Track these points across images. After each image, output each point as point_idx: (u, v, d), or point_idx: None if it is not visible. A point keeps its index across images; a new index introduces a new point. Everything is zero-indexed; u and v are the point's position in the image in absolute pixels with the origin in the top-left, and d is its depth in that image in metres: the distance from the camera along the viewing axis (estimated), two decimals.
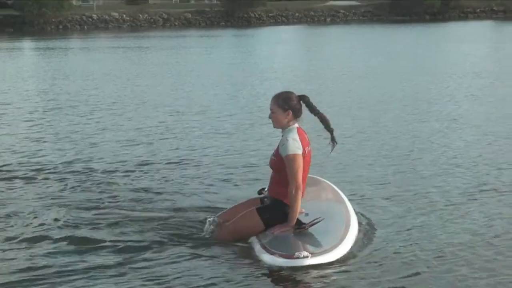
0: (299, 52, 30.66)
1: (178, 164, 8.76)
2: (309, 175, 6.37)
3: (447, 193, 7.15)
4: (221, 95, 15.49)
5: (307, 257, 4.90)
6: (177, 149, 9.70)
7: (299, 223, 5.50)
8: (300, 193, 5.43)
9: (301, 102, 5.61)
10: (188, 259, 5.37)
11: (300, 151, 5.44)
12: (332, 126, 5.66)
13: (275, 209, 5.57)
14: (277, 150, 5.57)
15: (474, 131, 10.72)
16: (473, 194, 7.09)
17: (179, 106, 13.80)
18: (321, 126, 5.70)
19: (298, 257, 4.90)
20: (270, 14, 66.22)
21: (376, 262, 5.22)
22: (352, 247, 5.33)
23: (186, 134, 10.81)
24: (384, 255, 5.36)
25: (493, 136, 10.25)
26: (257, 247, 5.31)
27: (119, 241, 5.75)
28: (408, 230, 5.96)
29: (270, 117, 5.65)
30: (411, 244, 5.59)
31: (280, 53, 28.98)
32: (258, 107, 13.63)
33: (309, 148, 5.59)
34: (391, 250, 5.45)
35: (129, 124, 11.81)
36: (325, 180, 6.73)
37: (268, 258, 5.06)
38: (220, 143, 10.10)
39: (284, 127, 5.59)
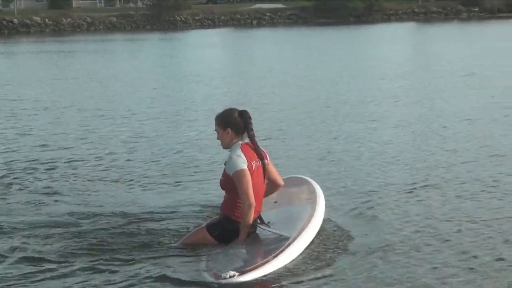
0: (226, 55, 30.64)
1: (99, 167, 8.58)
2: (297, 176, 6.58)
3: (378, 189, 7.22)
4: (145, 99, 15.30)
5: (233, 276, 4.88)
6: (98, 153, 9.50)
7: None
8: (252, 209, 5.34)
9: (241, 117, 5.48)
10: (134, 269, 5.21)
11: (245, 166, 5.33)
12: (262, 152, 5.53)
13: (223, 226, 5.50)
14: (224, 170, 5.49)
15: (394, 130, 10.90)
16: (412, 188, 7.25)
17: (102, 110, 13.55)
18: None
19: (224, 278, 4.89)
20: (196, 18, 65.96)
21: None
22: (291, 261, 5.18)
23: (109, 138, 10.61)
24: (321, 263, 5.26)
25: (413, 135, 10.45)
26: (202, 263, 5.28)
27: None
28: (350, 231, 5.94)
29: (217, 138, 5.57)
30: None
31: (207, 57, 28.88)
32: (184, 109, 13.53)
33: (258, 163, 5.46)
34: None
35: (49, 128, 11.52)
36: (310, 181, 6.49)
37: (206, 276, 5.01)
38: (145, 146, 9.96)
39: (229, 146, 5.50)
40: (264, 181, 5.56)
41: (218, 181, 5.64)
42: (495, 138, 9.97)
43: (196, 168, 8.50)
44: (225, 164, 5.47)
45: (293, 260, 5.19)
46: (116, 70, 22.80)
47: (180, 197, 7.19)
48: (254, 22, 66.36)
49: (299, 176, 6.76)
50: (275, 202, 6.13)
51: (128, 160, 9.12)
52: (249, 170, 5.36)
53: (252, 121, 5.50)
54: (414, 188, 7.30)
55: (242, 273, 4.93)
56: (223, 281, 4.89)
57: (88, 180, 8.01)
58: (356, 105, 13.53)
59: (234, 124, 5.45)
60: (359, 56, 26.45)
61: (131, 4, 69.68)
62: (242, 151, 5.41)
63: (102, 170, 8.53)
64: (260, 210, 5.58)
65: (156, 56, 29.64)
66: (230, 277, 4.89)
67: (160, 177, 8.11)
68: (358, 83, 17.40)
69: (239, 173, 5.31)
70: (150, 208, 6.72)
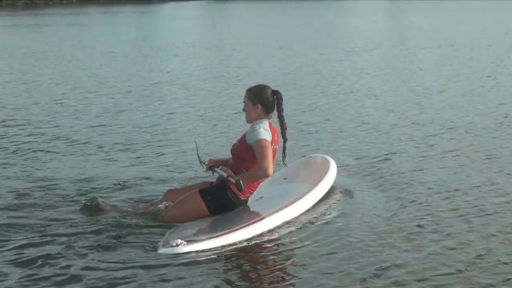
0: (201, 28, 30.43)
1: (78, 143, 8.49)
2: (318, 155, 6.53)
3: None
4: (118, 73, 15.14)
5: (179, 245, 4.82)
6: (74, 127, 9.40)
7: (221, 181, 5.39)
8: (263, 178, 5.27)
9: (274, 97, 5.40)
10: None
11: (270, 139, 5.27)
12: (287, 136, 5.48)
13: (219, 192, 5.37)
14: (243, 137, 5.37)
15: (371, 102, 10.92)
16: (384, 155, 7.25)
17: (73, 84, 13.39)
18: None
19: (172, 246, 4.84)
20: None
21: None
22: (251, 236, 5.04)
23: (84, 112, 10.48)
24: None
25: (393, 106, 10.48)
26: (163, 237, 5.11)
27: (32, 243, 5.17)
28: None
29: (243, 109, 5.49)
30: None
31: (182, 30, 28.65)
32: (155, 83, 13.43)
33: (276, 147, 5.40)
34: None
35: (22, 102, 11.36)
36: (330, 162, 6.22)
37: (159, 250, 4.89)
38: (118, 120, 9.88)
39: (253, 121, 5.40)
40: None
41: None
42: (470, 110, 10.03)
43: (165, 142, 8.45)
44: (246, 133, 5.38)
45: (249, 239, 5.01)
46: (89, 44, 22.52)
47: (145, 170, 7.12)
48: None
49: (321, 155, 6.56)
50: (284, 178, 6.07)
51: (97, 133, 9.01)
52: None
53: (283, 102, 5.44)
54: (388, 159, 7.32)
55: (189, 242, 4.86)
56: (167, 249, 4.80)
57: (48, 152, 7.90)
58: (327, 78, 13.52)
59: (266, 101, 5.38)
60: (334, 29, 26.38)
61: None
62: (270, 130, 5.35)
63: (70, 143, 8.42)
64: (256, 187, 5.48)
65: (131, 30, 29.35)
66: (177, 245, 4.83)
67: (128, 151, 8.04)
68: (330, 56, 17.38)
69: (264, 143, 5.23)
70: (112, 180, 6.64)
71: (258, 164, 5.24)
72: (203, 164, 5.66)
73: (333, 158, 6.41)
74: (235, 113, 9.83)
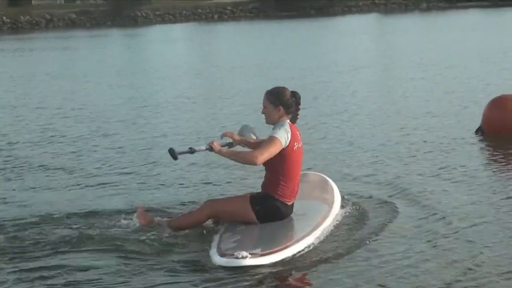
0: (189, 51, 30.42)
1: (56, 167, 8.40)
2: (316, 173, 6.82)
3: None
4: (107, 96, 15.07)
5: (246, 257, 4.83)
6: (56, 152, 9.29)
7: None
8: (253, 163, 5.40)
9: (293, 98, 5.62)
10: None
11: (283, 143, 5.43)
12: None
13: (265, 202, 5.54)
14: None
15: (358, 121, 10.88)
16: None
17: (61, 108, 13.30)
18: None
19: (236, 257, 4.84)
20: (157, 13, 65.41)
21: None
22: (305, 251, 5.19)
23: (70, 137, 10.39)
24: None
25: (380, 126, 10.45)
26: (213, 246, 5.23)
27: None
28: None
29: (262, 112, 5.67)
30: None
31: (170, 52, 28.61)
32: (148, 105, 13.36)
33: (299, 144, 5.60)
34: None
35: (8, 128, 11.24)
36: (328, 180, 6.54)
37: (215, 258, 4.98)
38: (108, 142, 9.80)
39: (274, 122, 5.61)
40: (300, 163, 5.66)
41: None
42: (451, 130, 10.00)
43: (159, 166, 8.38)
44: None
45: (305, 249, 5.19)
46: (76, 67, 22.43)
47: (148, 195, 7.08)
48: (216, 16, 66.08)
49: (317, 173, 6.83)
50: None
51: (85, 158, 8.95)
52: (291, 149, 5.50)
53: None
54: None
55: (254, 255, 4.86)
56: (228, 260, 4.83)
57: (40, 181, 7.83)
58: (319, 99, 13.50)
59: (287, 103, 5.58)
60: (321, 49, 26.45)
61: (92, 1, 68.87)
62: (291, 130, 5.53)
63: (58, 170, 8.34)
64: (298, 191, 5.65)
65: (118, 53, 29.29)
66: (242, 257, 4.81)
67: (121, 175, 7.96)
68: (318, 75, 17.38)
69: (275, 140, 5.42)
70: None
71: (255, 149, 5.48)
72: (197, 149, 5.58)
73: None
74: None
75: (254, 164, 5.41)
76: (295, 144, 5.53)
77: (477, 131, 9.43)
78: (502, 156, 8.29)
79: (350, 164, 8.14)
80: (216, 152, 5.49)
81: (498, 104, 9.40)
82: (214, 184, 7.46)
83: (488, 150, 8.75)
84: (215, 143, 5.49)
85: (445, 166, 7.79)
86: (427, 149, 8.67)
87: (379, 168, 7.83)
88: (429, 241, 5.47)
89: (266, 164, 5.53)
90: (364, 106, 12.37)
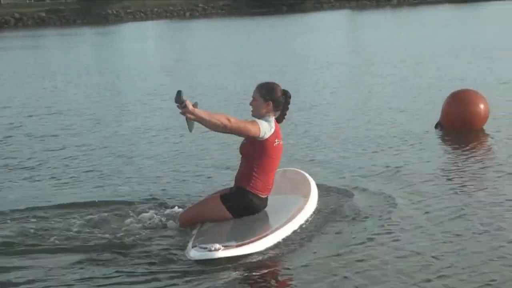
0: (162, 48, 30.27)
1: (27, 165, 8.27)
2: (292, 168, 6.83)
3: None
4: (80, 94, 14.92)
5: (218, 249, 4.85)
6: (25, 151, 9.18)
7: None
8: (222, 127, 5.30)
9: (283, 96, 5.65)
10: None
11: (261, 132, 5.44)
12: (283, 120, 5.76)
13: (237, 196, 5.54)
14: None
15: (330, 116, 10.88)
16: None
17: (31, 107, 13.14)
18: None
19: (209, 250, 4.85)
20: (128, 11, 65.10)
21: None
22: (278, 242, 5.22)
23: (37, 136, 10.27)
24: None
25: (352, 120, 10.46)
26: (189, 241, 5.23)
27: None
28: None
29: (250, 103, 5.66)
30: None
31: (142, 50, 28.45)
32: (119, 103, 13.25)
33: (280, 141, 5.64)
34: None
35: None
36: (305, 175, 6.59)
37: (190, 252, 4.98)
38: (76, 140, 9.75)
39: (261, 117, 5.59)
40: (278, 160, 5.70)
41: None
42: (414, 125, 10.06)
43: (130, 162, 8.36)
44: None
45: (280, 242, 5.21)
46: (46, 66, 22.19)
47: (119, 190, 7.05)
48: (187, 14, 65.92)
49: (294, 169, 6.87)
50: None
51: (50, 155, 8.87)
52: (270, 144, 5.53)
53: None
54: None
55: (226, 247, 4.88)
56: (201, 253, 4.84)
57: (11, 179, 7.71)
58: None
59: (276, 100, 5.62)
60: (293, 46, 26.47)
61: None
62: (275, 126, 5.58)
63: (29, 168, 8.25)
64: (272, 186, 5.67)
65: (89, 51, 29.06)
66: (215, 249, 4.82)
67: (93, 172, 7.89)
68: (292, 71, 17.39)
69: (255, 123, 5.45)
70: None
71: (232, 117, 5.40)
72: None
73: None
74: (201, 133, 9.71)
75: (225, 126, 5.28)
76: (276, 140, 5.57)
77: (436, 126, 9.48)
78: (459, 150, 8.28)
79: (316, 158, 8.16)
80: (188, 111, 5.23)
81: (455, 99, 9.41)
82: (186, 179, 7.42)
83: (445, 145, 8.74)
84: (187, 101, 5.25)
85: (403, 161, 7.79)
86: (389, 144, 8.68)
87: (343, 162, 7.88)
88: (389, 232, 5.51)
89: (245, 153, 5.59)
90: (331, 102, 12.36)
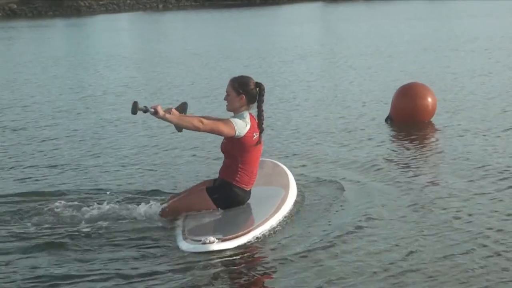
0: (135, 40, 30.12)
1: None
2: (270, 160, 6.93)
3: None
4: (50, 86, 14.84)
5: (212, 242, 4.91)
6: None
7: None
8: (195, 128, 5.40)
9: (257, 89, 5.66)
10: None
11: (236, 131, 5.48)
12: (263, 126, 5.73)
13: (223, 190, 5.64)
14: None
15: (306, 109, 10.97)
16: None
17: (2, 99, 13.05)
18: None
19: (204, 243, 4.91)
20: (101, 2, 64.48)
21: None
22: (268, 233, 5.33)
23: (7, 128, 10.22)
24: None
25: (328, 113, 10.56)
26: (178, 233, 5.28)
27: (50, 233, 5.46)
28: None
29: (225, 98, 5.69)
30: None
31: (115, 42, 28.26)
32: (91, 95, 13.20)
33: (257, 135, 5.67)
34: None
35: None
36: (282, 166, 6.69)
37: (181, 244, 5.04)
38: (46, 132, 9.72)
39: (236, 111, 5.64)
40: (260, 152, 5.78)
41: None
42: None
43: (102, 154, 8.39)
44: None
45: (268, 233, 5.32)
46: (17, 58, 21.97)
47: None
48: (160, 6, 65.51)
49: (270, 160, 6.96)
50: None
51: (19, 148, 8.89)
52: (249, 139, 5.58)
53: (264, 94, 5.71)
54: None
55: (222, 240, 4.95)
56: (195, 246, 4.90)
57: None
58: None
59: (250, 93, 5.64)
60: (267, 38, 26.51)
61: None
62: (250, 121, 5.61)
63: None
64: (255, 177, 5.76)
65: (61, 43, 28.81)
66: (210, 242, 4.88)
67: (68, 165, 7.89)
68: (267, 64, 17.44)
69: (228, 121, 5.50)
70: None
71: (206, 118, 5.49)
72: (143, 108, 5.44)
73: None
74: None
75: (198, 128, 5.41)
76: (254, 134, 5.62)
77: (386, 120, 9.61)
78: (408, 143, 8.44)
79: (284, 150, 8.27)
80: (159, 117, 5.34)
81: (404, 93, 9.54)
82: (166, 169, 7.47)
83: (393, 138, 8.88)
84: (159, 107, 5.35)
85: (353, 154, 7.95)
86: (342, 137, 8.85)
87: (303, 153, 8.05)
88: (370, 219, 5.69)
89: (227, 151, 5.68)
90: (298, 96, 12.43)
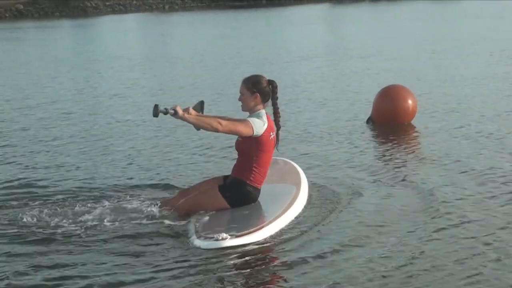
0: (143, 41, 30.16)
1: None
2: (281, 158, 6.94)
3: None
4: (58, 86, 14.88)
5: (225, 239, 4.99)
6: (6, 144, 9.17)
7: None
8: (214, 130, 5.45)
9: (270, 86, 5.68)
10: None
11: (254, 130, 5.51)
12: (280, 123, 5.76)
13: (236, 188, 5.66)
14: None
15: (311, 110, 10.97)
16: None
17: (13, 100, 13.07)
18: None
19: (217, 239, 4.98)
20: (107, 3, 64.61)
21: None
22: (280, 230, 5.37)
23: (15, 128, 10.25)
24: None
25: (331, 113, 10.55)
26: (191, 230, 5.34)
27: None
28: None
29: (239, 99, 5.71)
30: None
31: (123, 43, 28.31)
32: (101, 96, 13.23)
33: (274, 134, 5.69)
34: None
35: None
36: (294, 164, 6.76)
37: (195, 241, 5.11)
38: (54, 133, 9.75)
39: (251, 111, 5.66)
40: (273, 152, 5.80)
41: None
42: None
43: (115, 155, 8.39)
44: None
45: (280, 230, 5.35)
46: (24, 58, 22.03)
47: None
48: (167, 7, 65.62)
49: (283, 158, 7.00)
50: None
51: (28, 148, 8.89)
52: (266, 138, 5.61)
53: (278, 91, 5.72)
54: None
55: (236, 236, 5.03)
56: (208, 243, 4.98)
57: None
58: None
59: (263, 90, 5.65)
60: (273, 39, 26.51)
61: None
62: (267, 120, 5.63)
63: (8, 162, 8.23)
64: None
65: (68, 43, 28.87)
66: (222, 239, 4.96)
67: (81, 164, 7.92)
68: (271, 65, 17.45)
69: (246, 121, 5.51)
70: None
71: (223, 119, 5.53)
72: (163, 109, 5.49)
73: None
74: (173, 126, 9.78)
75: (216, 129, 5.46)
76: (271, 133, 5.65)
77: (367, 121, 9.61)
78: (389, 145, 8.43)
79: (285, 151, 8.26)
80: (178, 117, 5.42)
81: (385, 95, 9.53)
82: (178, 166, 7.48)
83: (374, 140, 8.88)
84: (178, 108, 5.43)
85: (338, 156, 7.97)
86: (327, 138, 8.88)
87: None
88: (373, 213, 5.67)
89: (242, 150, 5.69)
90: (299, 97, 12.41)
